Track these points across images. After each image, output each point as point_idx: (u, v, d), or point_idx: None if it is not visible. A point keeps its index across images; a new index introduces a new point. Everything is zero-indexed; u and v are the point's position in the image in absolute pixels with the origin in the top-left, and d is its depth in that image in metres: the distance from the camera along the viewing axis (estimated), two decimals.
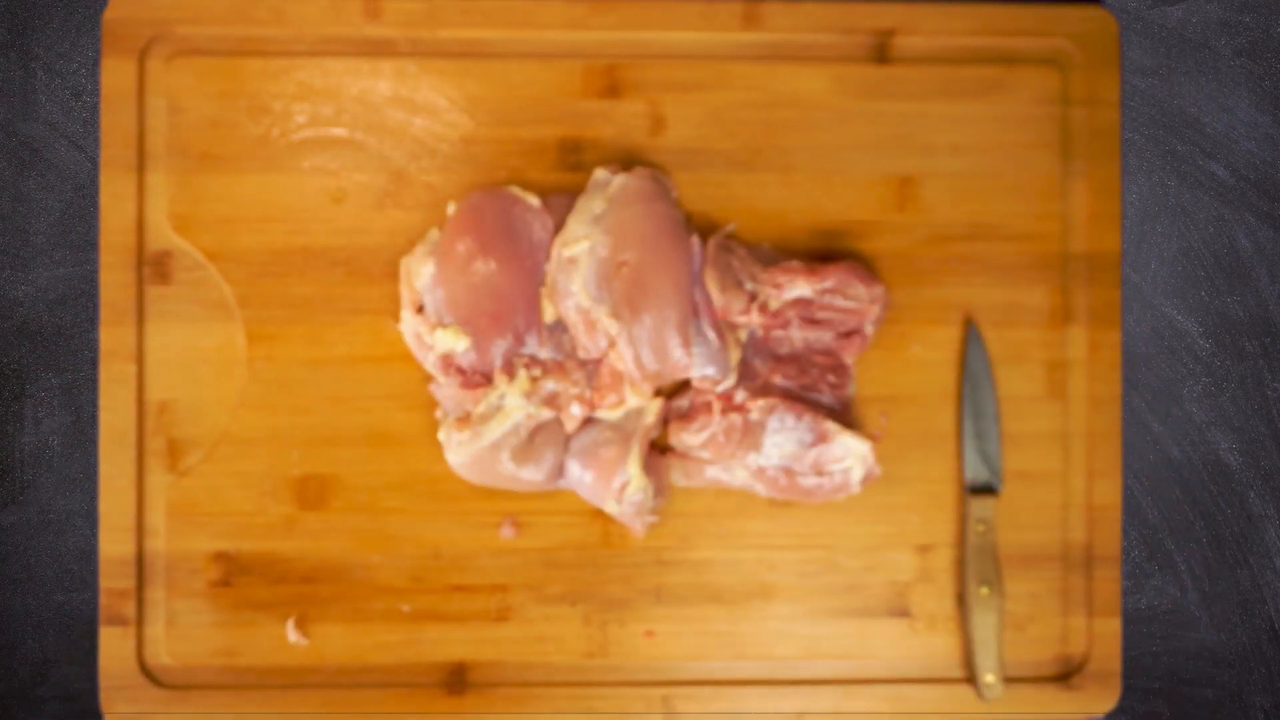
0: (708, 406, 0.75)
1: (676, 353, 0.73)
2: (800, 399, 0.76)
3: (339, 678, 0.77)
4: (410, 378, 0.77)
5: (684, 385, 0.77)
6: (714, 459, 0.75)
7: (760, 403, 0.75)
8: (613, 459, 0.73)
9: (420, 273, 0.74)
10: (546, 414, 0.74)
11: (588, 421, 0.75)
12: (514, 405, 0.73)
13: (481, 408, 0.73)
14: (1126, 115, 0.81)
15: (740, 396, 0.75)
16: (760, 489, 0.76)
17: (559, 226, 0.75)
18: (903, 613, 0.78)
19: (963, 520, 0.78)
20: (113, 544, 0.76)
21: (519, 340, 0.74)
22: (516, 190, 0.75)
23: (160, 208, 0.76)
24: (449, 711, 0.77)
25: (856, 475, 0.75)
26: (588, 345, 0.74)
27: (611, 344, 0.74)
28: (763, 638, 0.78)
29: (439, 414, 0.76)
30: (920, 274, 0.78)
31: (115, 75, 0.76)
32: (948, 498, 0.78)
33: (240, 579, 0.76)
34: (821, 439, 0.74)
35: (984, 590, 0.76)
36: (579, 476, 0.74)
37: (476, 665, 0.77)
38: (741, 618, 0.78)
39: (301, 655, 0.76)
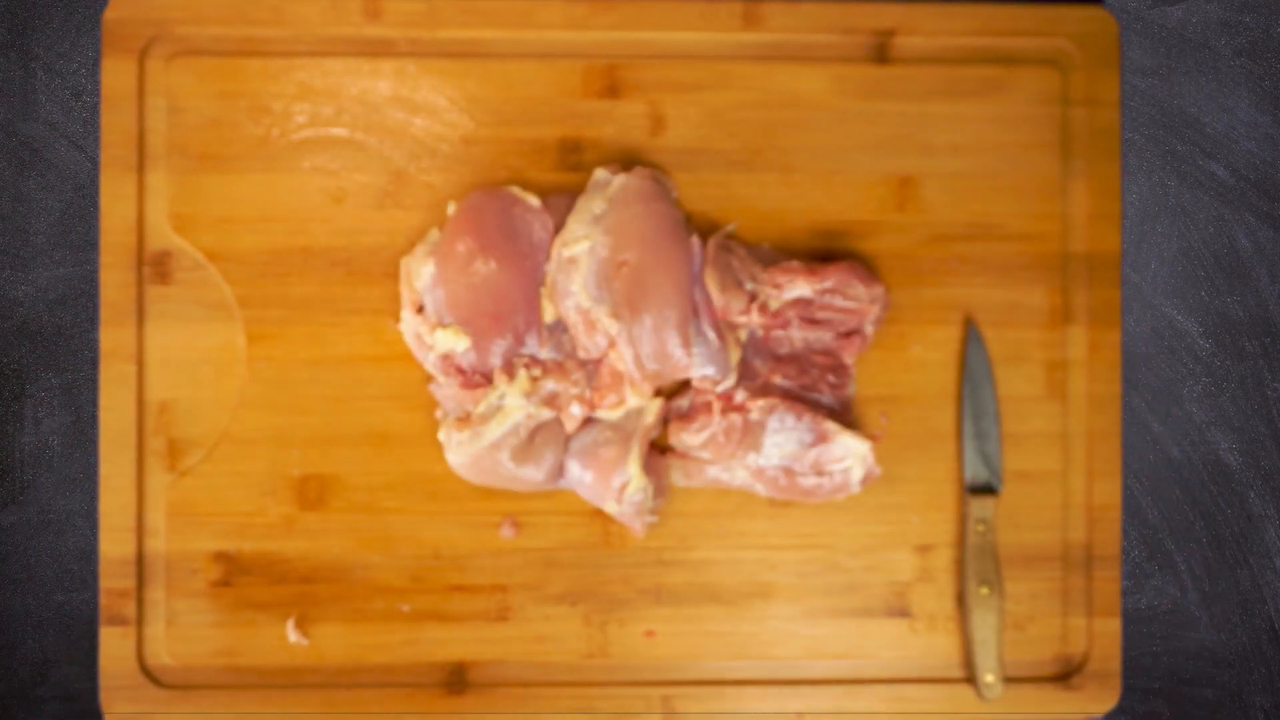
0: (708, 406, 0.75)
1: (676, 353, 0.73)
2: (800, 399, 0.76)
3: (339, 678, 0.77)
4: (410, 378, 0.77)
5: (684, 385, 0.77)
6: (714, 459, 0.75)
7: (760, 403, 0.75)
8: (613, 459, 0.73)
9: (420, 273, 0.74)
10: (546, 414, 0.74)
11: (588, 421, 0.75)
12: (514, 405, 0.73)
13: (481, 408, 0.73)
14: (1126, 115, 0.81)
15: (740, 396, 0.75)
16: (760, 489, 0.76)
17: (559, 226, 0.75)
18: (903, 613, 0.78)
19: (963, 520, 0.78)
20: (113, 544, 0.76)
21: (519, 340, 0.74)
22: (516, 190, 0.75)
23: (160, 208, 0.76)
24: (449, 711, 0.77)
25: (856, 475, 0.75)
26: (588, 345, 0.74)
27: (611, 344, 0.74)
28: (763, 638, 0.78)
29: (439, 414, 0.76)
30: (920, 274, 0.78)
31: (115, 75, 0.76)
32: (948, 498, 0.78)
33: (240, 579, 0.76)
34: (821, 439, 0.74)
35: (984, 590, 0.76)
36: (579, 476, 0.74)
37: (476, 665, 0.77)
38: (741, 618, 0.78)
39: (301, 655, 0.76)
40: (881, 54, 0.78)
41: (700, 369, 0.74)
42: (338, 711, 0.76)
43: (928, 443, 0.78)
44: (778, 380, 0.76)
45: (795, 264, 0.75)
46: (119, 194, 0.76)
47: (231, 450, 0.76)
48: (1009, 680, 0.78)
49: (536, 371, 0.74)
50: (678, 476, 0.77)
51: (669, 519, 0.78)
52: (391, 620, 0.77)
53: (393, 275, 0.77)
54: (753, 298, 0.75)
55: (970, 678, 0.78)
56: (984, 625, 0.76)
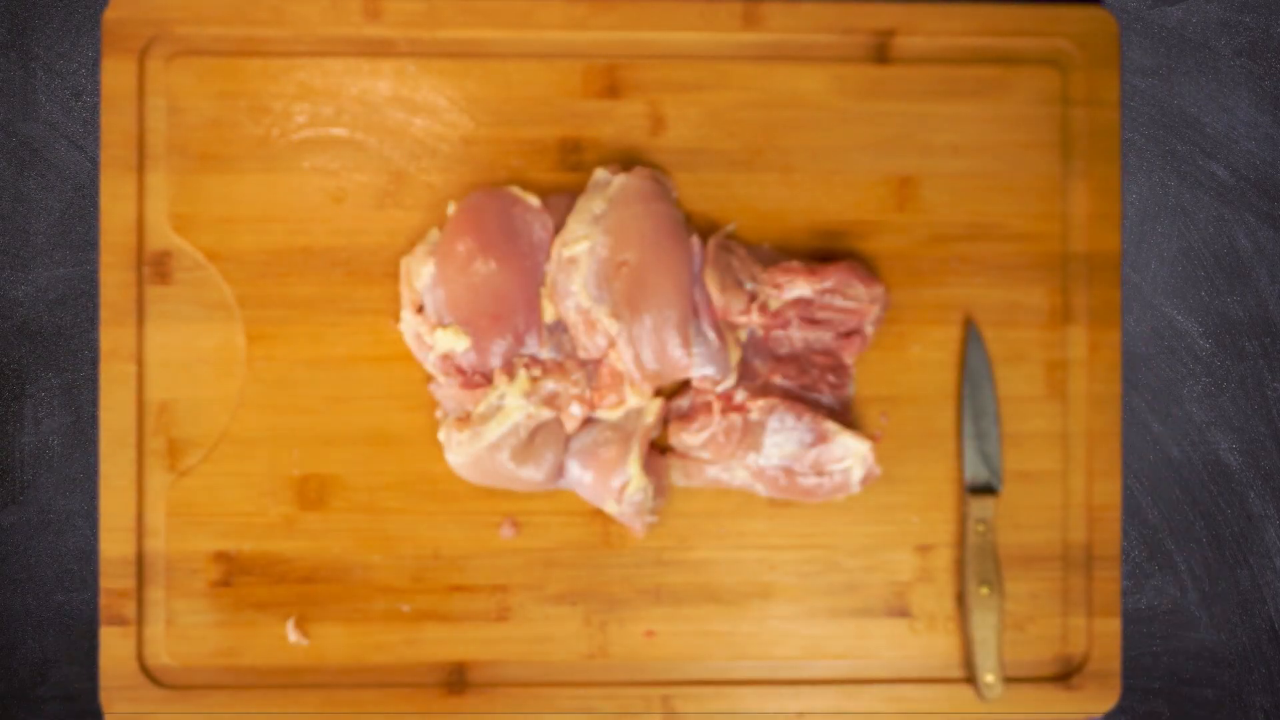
0: (708, 406, 0.75)
1: (676, 353, 0.73)
2: (800, 399, 0.76)
3: (339, 678, 0.77)
4: (410, 378, 0.77)
5: (684, 385, 0.77)
6: (714, 459, 0.75)
7: (760, 403, 0.75)
8: (613, 459, 0.73)
9: (420, 273, 0.74)
10: (546, 414, 0.74)
11: (588, 421, 0.75)
12: (514, 405, 0.73)
13: (481, 408, 0.73)
14: (1126, 115, 0.81)
15: (740, 396, 0.75)
16: (760, 489, 0.76)
17: (559, 226, 0.75)
18: (903, 613, 0.78)
19: (963, 520, 0.78)
20: (113, 544, 0.76)
21: (519, 340, 0.74)
22: (516, 190, 0.75)
23: (160, 208, 0.76)
24: (449, 711, 0.77)
25: (856, 475, 0.75)
26: (588, 345, 0.74)
27: (611, 344, 0.74)
28: (763, 638, 0.78)
29: (439, 414, 0.76)
30: (920, 274, 0.78)
31: (115, 75, 0.76)
32: (948, 498, 0.78)
33: (240, 579, 0.76)
34: (821, 439, 0.74)
35: (984, 590, 0.76)
36: (579, 476, 0.74)
37: (476, 665, 0.77)
38: (741, 618, 0.78)
39: (301, 655, 0.76)
40: (881, 54, 0.78)
41: (700, 369, 0.74)
42: (338, 711, 0.76)
43: (928, 443, 0.78)
44: (778, 380, 0.76)
45: (795, 264, 0.75)
46: (119, 194, 0.76)
47: (231, 450, 0.76)
48: (1009, 680, 0.78)
49: (536, 371, 0.74)
50: (678, 476, 0.77)
51: (669, 519, 0.78)
52: (391, 620, 0.77)
53: (393, 275, 0.77)
54: (753, 298, 0.75)
55: (970, 678, 0.78)
56: (984, 625, 0.76)
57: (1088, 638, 0.78)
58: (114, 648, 0.76)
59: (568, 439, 0.75)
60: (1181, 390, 0.82)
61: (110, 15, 0.75)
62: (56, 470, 0.79)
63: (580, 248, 0.74)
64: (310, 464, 0.76)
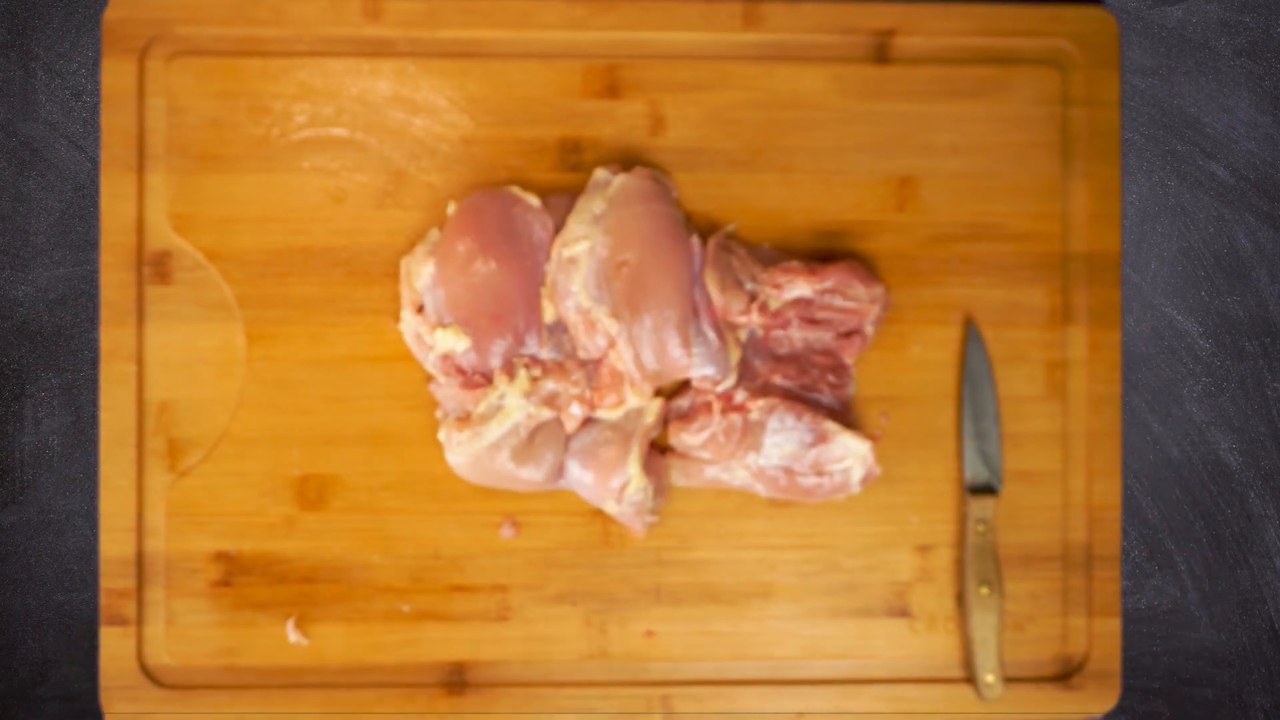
0: (708, 406, 0.75)
1: (676, 353, 0.73)
2: (800, 399, 0.76)
3: (339, 678, 0.77)
4: (410, 378, 0.77)
5: (684, 385, 0.77)
6: (714, 459, 0.75)
7: (760, 403, 0.75)
8: (613, 459, 0.73)
9: (420, 273, 0.74)
10: (546, 414, 0.74)
11: (588, 421, 0.75)
12: (514, 405, 0.73)
13: (481, 408, 0.73)
14: (1126, 115, 0.81)
15: (740, 396, 0.75)
16: (760, 489, 0.76)
17: (559, 226, 0.75)
18: (903, 613, 0.78)
19: (963, 520, 0.78)
20: (113, 544, 0.76)
21: (519, 340, 0.74)
22: (516, 190, 0.75)
23: (160, 208, 0.76)
24: (449, 711, 0.77)
25: (856, 475, 0.75)
26: (588, 345, 0.74)
27: (611, 344, 0.74)
28: (763, 638, 0.78)
29: (439, 414, 0.76)
30: (920, 274, 0.78)
31: (115, 75, 0.76)
32: (948, 498, 0.78)
33: (240, 579, 0.76)
34: (821, 439, 0.74)
35: (984, 590, 0.76)
36: (579, 476, 0.74)
37: (476, 665, 0.77)
38: (741, 618, 0.78)
39: (301, 655, 0.76)
40: (881, 54, 0.78)
41: (700, 369, 0.74)
42: (338, 711, 0.76)
43: (928, 443, 0.78)
44: (778, 380, 0.76)
45: (795, 264, 0.75)
46: (119, 194, 0.76)
47: (231, 450, 0.76)
48: (1009, 680, 0.78)
49: (536, 371, 0.74)
50: (678, 476, 0.77)
51: (669, 519, 0.78)
52: (391, 620, 0.77)
53: (393, 275, 0.77)
54: (753, 298, 0.75)
55: (970, 678, 0.78)
56: (984, 625, 0.76)
57: (1088, 638, 0.78)
58: (114, 648, 0.76)
59: (568, 439, 0.75)
60: (1181, 390, 0.82)
61: (110, 15, 0.75)
62: (56, 470, 0.79)
63: (580, 248, 0.74)
64: (310, 464, 0.76)
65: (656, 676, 0.77)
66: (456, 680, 0.77)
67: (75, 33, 0.79)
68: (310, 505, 0.76)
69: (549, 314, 0.75)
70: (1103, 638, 0.78)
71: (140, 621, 0.76)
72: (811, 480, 0.75)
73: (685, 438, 0.75)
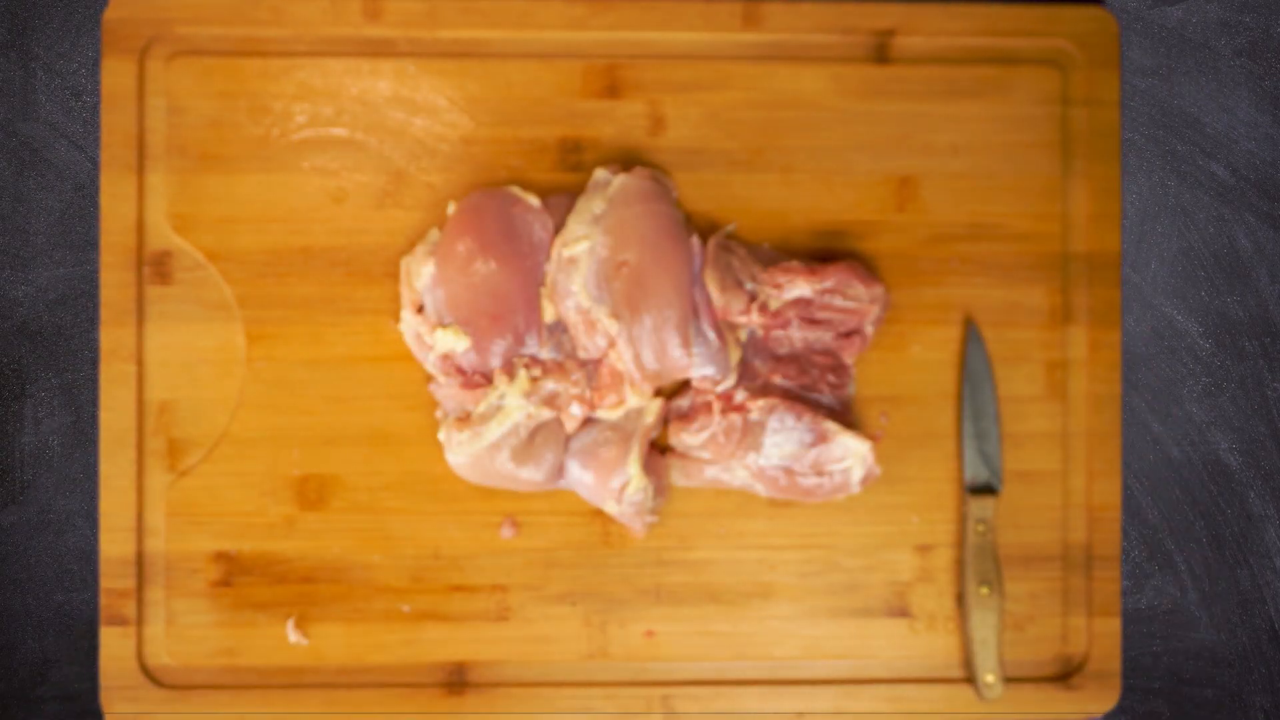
0: (708, 406, 0.75)
1: (676, 353, 0.73)
2: (800, 399, 0.76)
3: (339, 678, 0.77)
4: (410, 378, 0.77)
5: (684, 385, 0.77)
6: (714, 459, 0.75)
7: (760, 403, 0.75)
8: (613, 459, 0.73)
9: (420, 273, 0.74)
10: (546, 414, 0.74)
11: (588, 421, 0.75)
12: (514, 405, 0.73)
13: (481, 408, 0.73)
14: (1126, 115, 0.81)
15: (740, 396, 0.75)
16: (760, 489, 0.76)
17: (559, 226, 0.75)
18: (903, 613, 0.78)
19: (963, 520, 0.78)
20: (113, 544, 0.76)
21: (519, 340, 0.74)
22: (516, 190, 0.75)
23: (160, 208, 0.76)
24: (449, 711, 0.77)
25: (856, 475, 0.75)
26: (588, 345, 0.74)
27: (611, 344, 0.74)
28: (763, 638, 0.78)
29: (439, 414, 0.76)
30: (920, 274, 0.78)
31: (115, 75, 0.76)
32: (948, 498, 0.78)
33: (240, 579, 0.76)
34: (821, 439, 0.74)
35: (984, 590, 0.76)
36: (579, 476, 0.74)
37: (476, 665, 0.77)
38: (741, 618, 0.78)
39: (301, 655, 0.76)
40: (881, 54, 0.78)
41: (700, 369, 0.74)
42: (338, 711, 0.76)
43: (928, 443, 0.78)
44: (778, 380, 0.76)
45: (795, 264, 0.75)
46: (119, 194, 0.76)
47: (231, 450, 0.76)
48: (1009, 680, 0.78)
49: (536, 371, 0.74)
50: (678, 476, 0.77)
51: (669, 519, 0.78)
52: (391, 620, 0.77)
53: (393, 275, 0.77)
54: (753, 298, 0.75)
55: (970, 678, 0.78)
56: (984, 625, 0.76)
57: (1088, 638, 0.78)
58: (114, 648, 0.76)
59: (568, 439, 0.75)
60: (1181, 390, 0.82)
61: (110, 15, 0.75)
62: (56, 470, 0.79)
63: (580, 248, 0.74)
64: (310, 464, 0.76)
65: (656, 676, 0.77)
66: (456, 680, 0.77)
67: (75, 33, 0.79)
68: (310, 505, 0.76)
69: (549, 314, 0.75)
70: (1103, 638, 0.78)
71: (140, 621, 0.76)
72: (811, 480, 0.75)
73: (685, 438, 0.75)
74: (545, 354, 0.75)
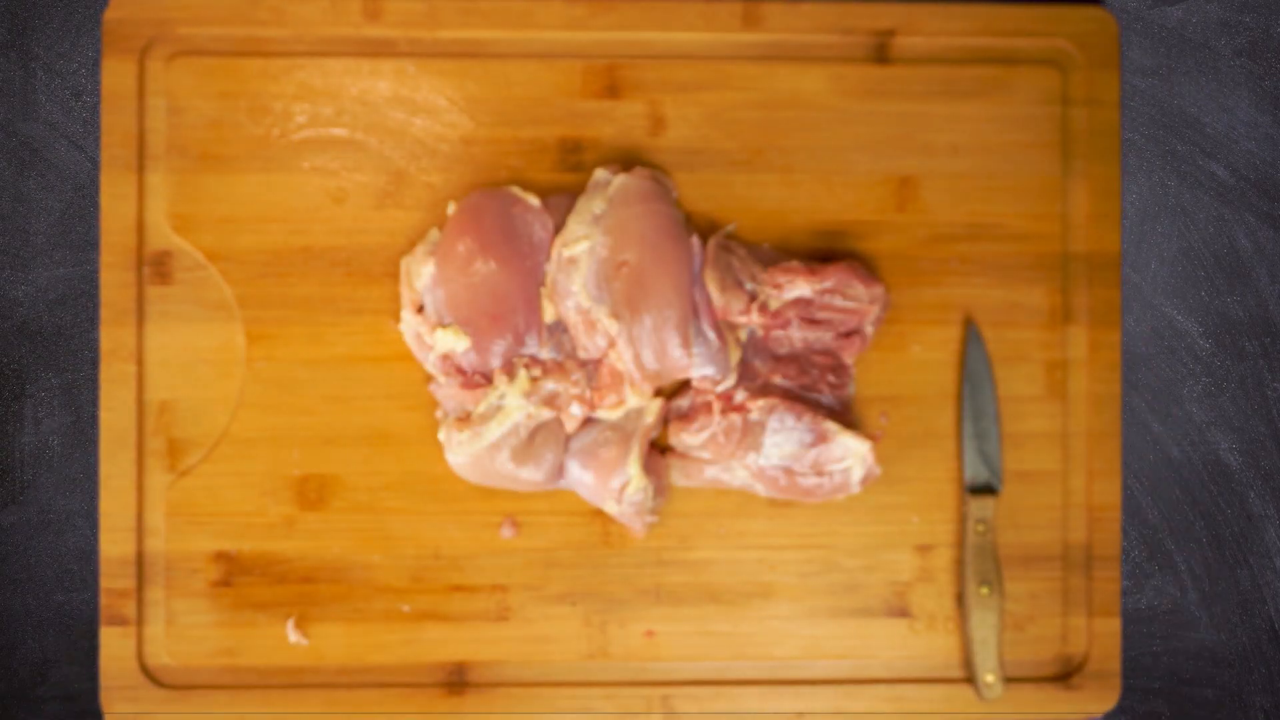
0: (708, 406, 0.75)
1: (676, 353, 0.73)
2: (800, 399, 0.76)
3: (339, 678, 0.77)
4: (410, 378, 0.77)
5: (684, 385, 0.77)
6: (714, 459, 0.75)
7: (760, 403, 0.75)
8: (613, 459, 0.73)
9: (420, 273, 0.74)
10: (546, 414, 0.74)
11: (588, 421, 0.75)
12: (514, 405, 0.73)
13: (481, 408, 0.73)
14: (1126, 115, 0.81)
15: (740, 396, 0.75)
16: (760, 489, 0.76)
17: (559, 226, 0.75)
18: (903, 613, 0.78)
19: (963, 520, 0.78)
20: (113, 544, 0.76)
21: (519, 340, 0.74)
22: (516, 190, 0.75)
23: (160, 208, 0.76)
24: (449, 711, 0.77)
25: (856, 475, 0.75)
26: (588, 345, 0.74)
27: (611, 344, 0.74)
28: (763, 638, 0.78)
29: (439, 414, 0.76)
30: (920, 274, 0.78)
31: (115, 75, 0.76)
32: (948, 498, 0.78)
33: (240, 579, 0.76)
34: (821, 439, 0.74)
35: (984, 590, 0.76)
36: (579, 476, 0.74)
37: (476, 665, 0.77)
38: (741, 618, 0.78)
39: (301, 655, 0.76)
40: (881, 54, 0.78)
41: (700, 369, 0.74)
42: (338, 711, 0.76)
43: (928, 443, 0.78)
44: (778, 380, 0.76)
45: (795, 264, 0.75)
46: (119, 194, 0.76)
47: (231, 450, 0.76)
48: (1009, 680, 0.78)
49: (536, 371, 0.74)
50: (678, 476, 0.77)
51: (669, 519, 0.78)
52: (391, 620, 0.77)
53: (393, 275, 0.77)
54: (753, 298, 0.75)
55: (970, 678, 0.78)
56: (984, 625, 0.76)
57: (1088, 638, 0.78)
58: (114, 648, 0.76)
59: (568, 439, 0.75)
60: (1181, 390, 0.82)
61: (110, 15, 0.75)
62: (56, 470, 0.79)
63: (580, 248, 0.74)
64: (310, 464, 0.76)
65: (656, 676, 0.77)
66: (456, 680, 0.77)
67: (75, 33, 0.79)
68: (310, 505, 0.76)
69: (549, 314, 0.75)
70: (1103, 638, 0.78)
71: (140, 621, 0.76)
72: (811, 480, 0.75)
73: (685, 438, 0.75)
74: (545, 354, 0.75)
